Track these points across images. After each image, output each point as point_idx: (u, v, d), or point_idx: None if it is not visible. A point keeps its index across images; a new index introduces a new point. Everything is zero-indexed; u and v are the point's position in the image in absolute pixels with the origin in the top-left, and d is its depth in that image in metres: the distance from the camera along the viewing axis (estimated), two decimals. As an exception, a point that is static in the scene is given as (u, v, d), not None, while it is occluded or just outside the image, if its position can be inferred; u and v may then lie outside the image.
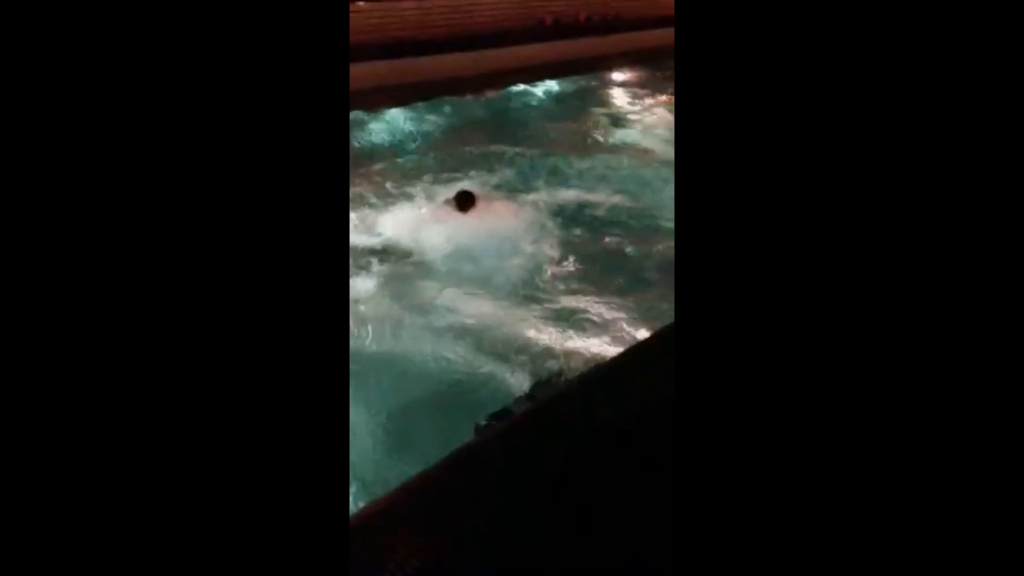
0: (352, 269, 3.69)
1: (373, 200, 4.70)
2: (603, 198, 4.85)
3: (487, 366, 2.92)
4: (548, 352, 3.05)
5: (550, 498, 1.66)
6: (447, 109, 7.27)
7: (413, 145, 6.38)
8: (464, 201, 4.15)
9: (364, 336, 3.12)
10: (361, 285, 3.57)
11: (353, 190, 4.72)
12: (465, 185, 4.67)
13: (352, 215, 4.31)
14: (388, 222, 4.31)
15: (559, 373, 2.75)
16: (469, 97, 7.67)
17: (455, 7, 9.41)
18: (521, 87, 8.27)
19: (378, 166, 5.57)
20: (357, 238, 4.06)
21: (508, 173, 5.35)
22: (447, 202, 4.27)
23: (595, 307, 3.38)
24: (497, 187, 4.96)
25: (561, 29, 10.13)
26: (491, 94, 7.90)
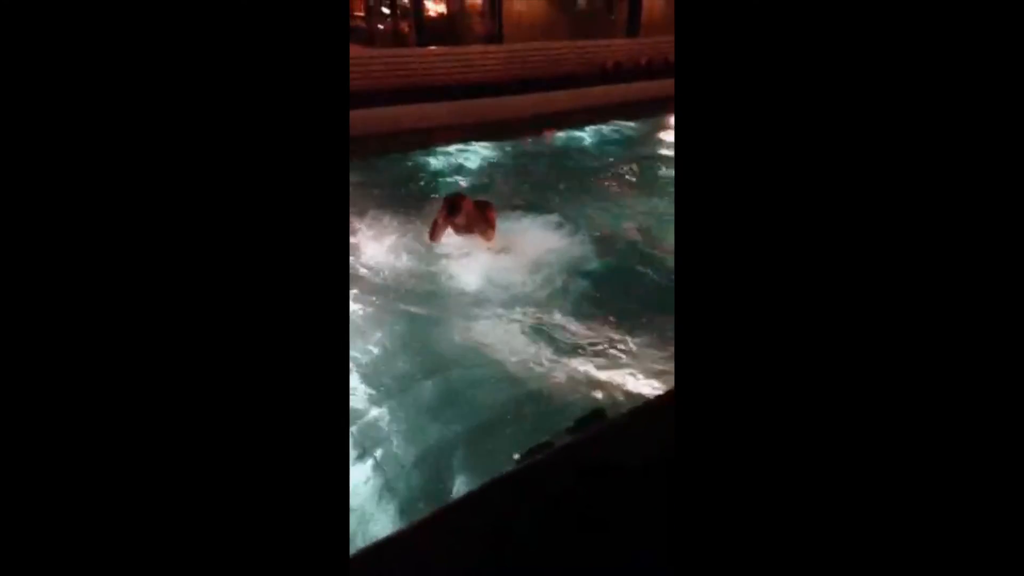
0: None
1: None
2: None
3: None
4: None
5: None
6: (507, 148, 7.42)
7: (474, 178, 6.53)
8: (454, 207, 4.11)
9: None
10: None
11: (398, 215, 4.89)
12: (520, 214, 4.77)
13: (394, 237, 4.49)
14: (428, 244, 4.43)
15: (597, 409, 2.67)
16: (529, 139, 7.82)
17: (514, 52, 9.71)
18: (581, 127, 8.37)
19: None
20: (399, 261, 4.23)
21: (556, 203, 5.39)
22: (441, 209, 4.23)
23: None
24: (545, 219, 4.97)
25: (622, 73, 10.25)
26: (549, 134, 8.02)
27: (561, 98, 8.96)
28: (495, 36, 11.03)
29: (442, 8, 11.62)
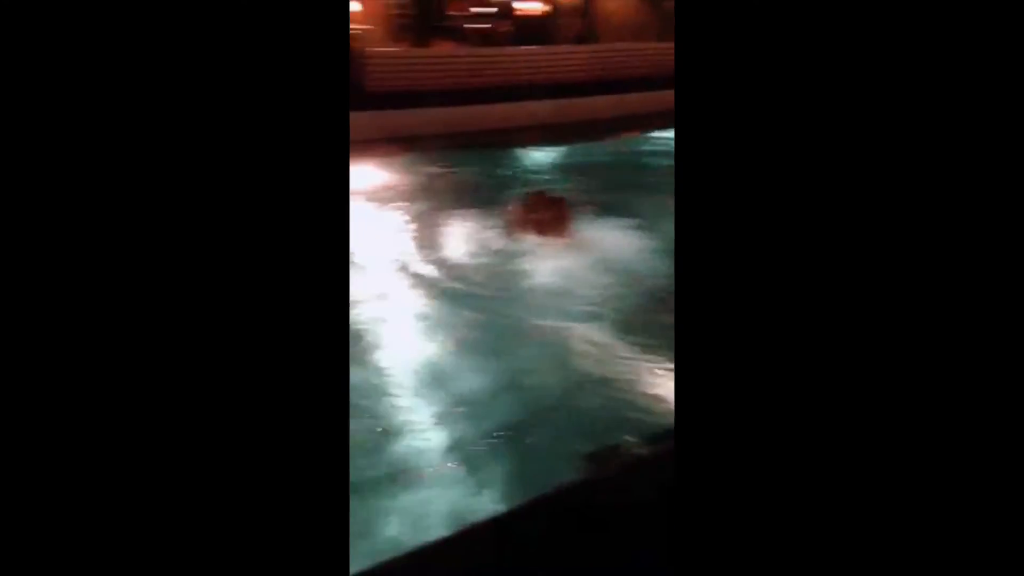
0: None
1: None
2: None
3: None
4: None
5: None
6: (585, 148, 7.45)
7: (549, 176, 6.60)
8: (532, 204, 4.28)
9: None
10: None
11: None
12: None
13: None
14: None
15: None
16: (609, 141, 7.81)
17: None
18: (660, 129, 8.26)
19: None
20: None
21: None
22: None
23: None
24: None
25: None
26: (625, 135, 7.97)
27: (639, 99, 8.85)
28: (588, 36, 10.97)
29: (536, 8, 11.61)
